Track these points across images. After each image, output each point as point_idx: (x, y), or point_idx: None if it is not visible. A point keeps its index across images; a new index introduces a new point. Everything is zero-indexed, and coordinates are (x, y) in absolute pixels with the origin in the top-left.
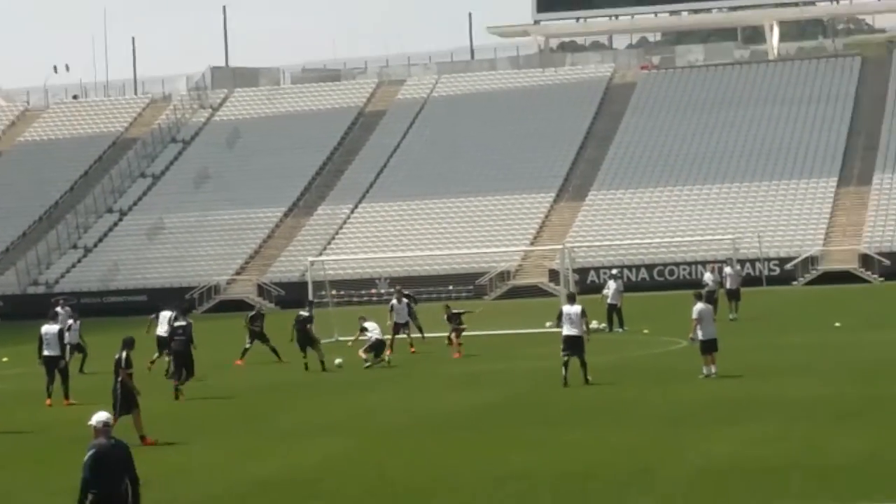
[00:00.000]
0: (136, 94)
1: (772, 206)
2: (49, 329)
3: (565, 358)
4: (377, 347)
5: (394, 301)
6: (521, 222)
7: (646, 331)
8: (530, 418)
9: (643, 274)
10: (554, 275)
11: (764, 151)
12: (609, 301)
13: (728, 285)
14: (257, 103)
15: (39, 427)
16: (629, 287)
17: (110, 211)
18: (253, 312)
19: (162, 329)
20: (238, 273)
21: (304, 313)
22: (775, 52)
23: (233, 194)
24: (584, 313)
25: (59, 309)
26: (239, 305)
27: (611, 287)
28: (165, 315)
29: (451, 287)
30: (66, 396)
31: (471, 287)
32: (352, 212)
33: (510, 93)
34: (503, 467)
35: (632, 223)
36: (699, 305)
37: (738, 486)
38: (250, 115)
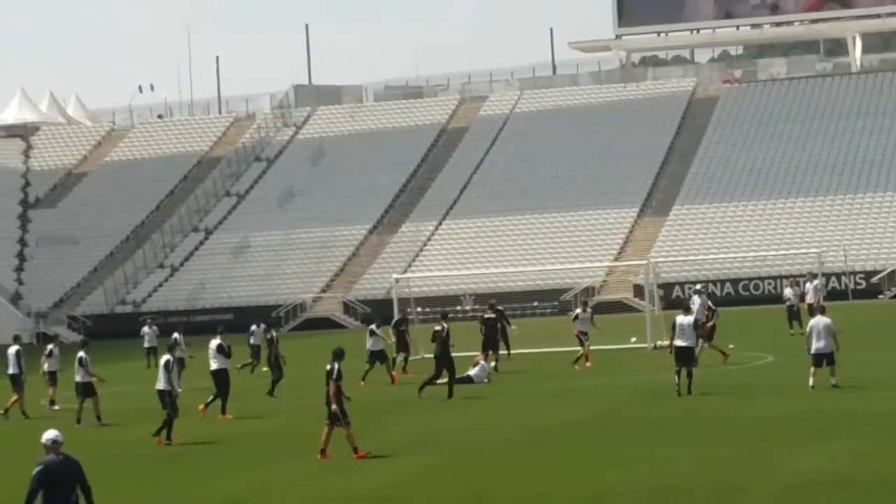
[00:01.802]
0: (220, 113)
1: (857, 219)
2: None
3: (677, 368)
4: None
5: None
6: (605, 237)
7: (731, 346)
8: (622, 434)
9: (728, 288)
10: (639, 290)
11: (848, 164)
12: (694, 316)
13: (809, 300)
14: (340, 121)
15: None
16: (714, 302)
17: (196, 230)
18: (398, 317)
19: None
20: (323, 291)
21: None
22: (858, 64)
23: (317, 212)
24: (696, 325)
25: (146, 328)
26: (324, 323)
27: (696, 302)
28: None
29: (535, 303)
30: (223, 411)
31: (556, 303)
32: (436, 229)
33: (592, 108)
34: (595, 484)
35: (716, 237)
36: (814, 319)
37: (826, 503)
38: (334, 133)
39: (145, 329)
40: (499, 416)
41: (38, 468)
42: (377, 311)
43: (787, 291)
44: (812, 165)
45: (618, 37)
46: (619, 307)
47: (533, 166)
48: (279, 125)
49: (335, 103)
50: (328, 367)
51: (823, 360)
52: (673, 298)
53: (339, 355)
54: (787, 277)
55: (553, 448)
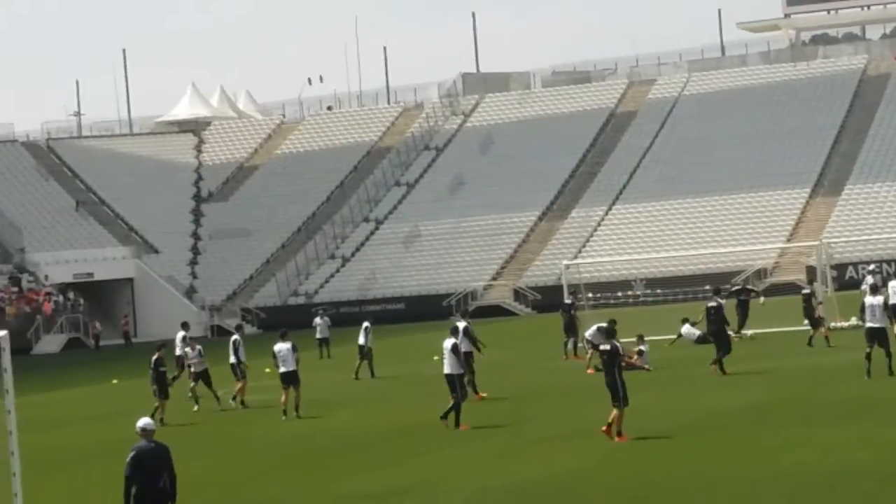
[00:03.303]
0: (388, 103)
1: None
2: (282, 346)
3: (868, 349)
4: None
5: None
6: (777, 219)
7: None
8: (797, 417)
9: None
10: (811, 271)
11: None
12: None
13: None
14: (509, 108)
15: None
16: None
17: (366, 220)
18: (569, 301)
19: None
20: (494, 278)
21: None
22: None
23: (487, 200)
24: (886, 306)
25: (318, 319)
26: (495, 311)
27: (868, 282)
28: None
29: (707, 287)
30: (476, 391)
31: (728, 286)
32: (605, 214)
33: (762, 88)
34: (769, 467)
35: (889, 217)
36: None
37: None
38: (502, 120)
39: (317, 320)
40: (671, 401)
41: (130, 454)
42: (547, 297)
43: None
44: None
45: (787, 16)
46: (791, 289)
47: (702, 149)
48: (447, 114)
49: (503, 90)
50: (608, 346)
51: None
52: (846, 279)
53: (612, 333)
54: None
55: (727, 432)
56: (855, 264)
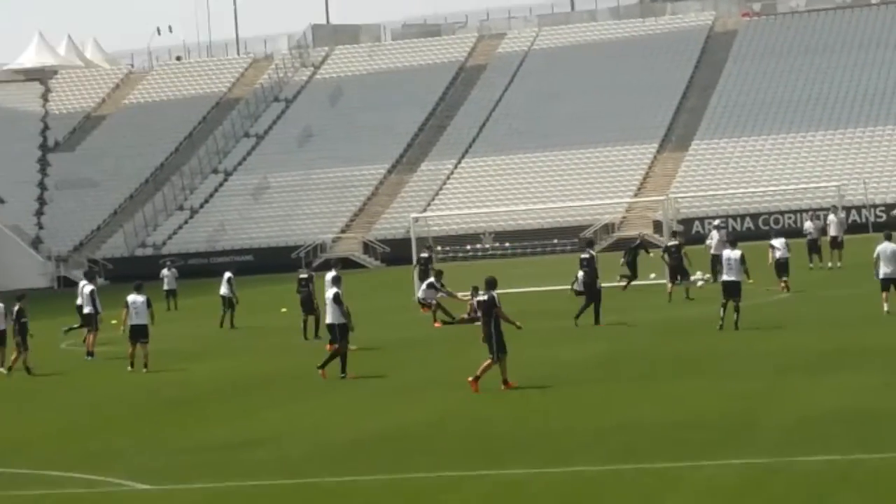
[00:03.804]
0: (238, 54)
1: (877, 151)
2: (137, 298)
3: (723, 301)
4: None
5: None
6: (625, 174)
7: (750, 280)
8: (642, 370)
9: (748, 223)
10: (658, 226)
11: (868, 96)
12: (713, 251)
13: (832, 233)
14: (359, 60)
15: None
16: (734, 237)
17: (215, 171)
18: (425, 255)
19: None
20: (343, 231)
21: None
22: None
23: (336, 152)
24: (743, 259)
25: (165, 271)
26: (344, 263)
27: (714, 237)
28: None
29: (555, 241)
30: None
31: (575, 240)
32: (455, 167)
33: (611, 44)
34: (608, 419)
35: (735, 172)
36: (881, 245)
37: (841, 434)
38: (352, 73)
39: (164, 272)
40: (517, 354)
41: None
42: (396, 250)
43: (808, 225)
44: (832, 98)
45: None
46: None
47: (551, 103)
48: (297, 65)
49: (353, 42)
50: (483, 296)
51: (892, 284)
52: (693, 234)
53: (492, 284)
54: (807, 211)
55: (575, 384)
56: (701, 219)
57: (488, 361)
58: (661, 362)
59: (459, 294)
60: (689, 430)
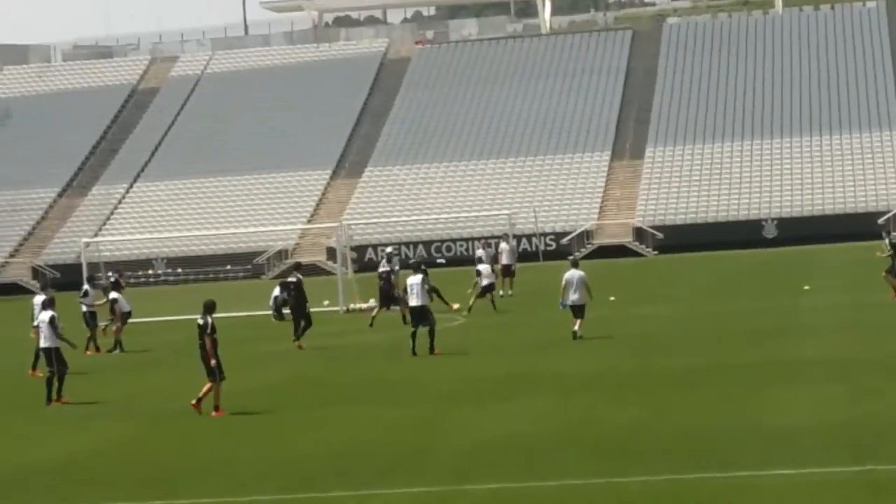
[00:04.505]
0: None
1: (547, 180)
2: None
3: (413, 329)
4: None
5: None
6: (299, 200)
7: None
8: (313, 398)
9: (420, 251)
10: (332, 252)
11: (538, 126)
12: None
13: (504, 261)
14: (28, 81)
15: None
16: (408, 265)
17: None
18: (114, 279)
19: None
20: (12, 255)
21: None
22: (548, 25)
23: (4, 174)
24: (425, 282)
25: None
26: (12, 289)
27: (386, 266)
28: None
29: (229, 267)
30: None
31: (248, 267)
32: (127, 191)
33: (285, 69)
34: (287, 448)
35: (409, 199)
36: (569, 272)
37: (511, 461)
38: (21, 94)
39: None
40: (183, 382)
41: None
42: (67, 275)
43: (479, 252)
44: (504, 127)
45: None
46: (313, 270)
47: (226, 128)
48: None
49: (22, 63)
50: (200, 321)
51: (578, 310)
52: (366, 261)
53: (210, 308)
54: (479, 239)
55: (243, 414)
56: (374, 246)
57: (209, 385)
58: (335, 389)
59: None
60: (360, 458)
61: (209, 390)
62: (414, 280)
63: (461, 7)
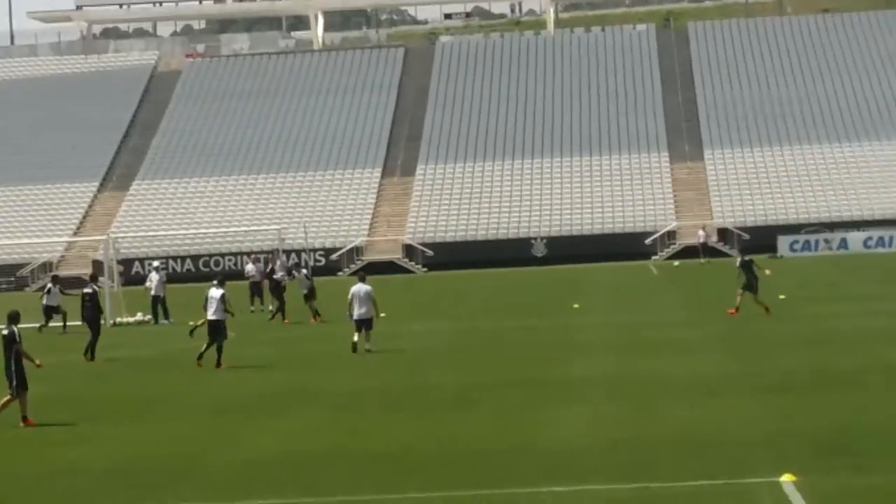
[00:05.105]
0: None
1: (317, 196)
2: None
3: (208, 343)
4: None
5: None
6: (65, 212)
7: (191, 322)
8: (81, 414)
9: (188, 265)
10: (98, 266)
11: (310, 141)
12: (153, 293)
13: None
14: None
15: None
16: (175, 278)
17: None
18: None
19: None
20: None
21: None
22: (320, 41)
23: None
24: (224, 298)
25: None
26: None
27: (153, 279)
28: None
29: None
30: None
31: (12, 279)
32: None
33: (52, 80)
34: (54, 463)
35: (177, 213)
36: (355, 286)
37: (284, 477)
38: None
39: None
40: None
41: None
42: None
43: (249, 267)
44: (275, 142)
45: (79, 7)
46: (76, 284)
47: None
48: None
49: None
50: (5, 331)
51: (363, 325)
52: (133, 274)
53: (14, 318)
54: (249, 254)
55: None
56: (142, 260)
57: (8, 397)
58: (105, 404)
59: None
60: (126, 475)
61: (8, 402)
62: (214, 293)
63: (231, 21)
